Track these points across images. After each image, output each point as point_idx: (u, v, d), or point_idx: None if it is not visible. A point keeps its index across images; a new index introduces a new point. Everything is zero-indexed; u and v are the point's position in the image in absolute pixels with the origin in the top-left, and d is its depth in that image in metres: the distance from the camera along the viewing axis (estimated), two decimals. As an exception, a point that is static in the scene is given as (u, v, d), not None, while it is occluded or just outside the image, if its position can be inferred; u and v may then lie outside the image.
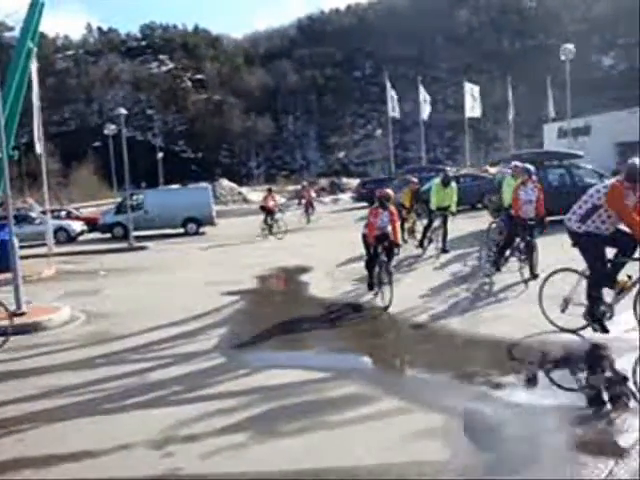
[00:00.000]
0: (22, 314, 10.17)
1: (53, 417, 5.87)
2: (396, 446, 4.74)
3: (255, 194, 56.36)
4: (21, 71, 16.95)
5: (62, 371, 7.38)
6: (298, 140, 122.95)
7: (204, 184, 38.13)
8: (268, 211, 22.99)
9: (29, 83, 18.29)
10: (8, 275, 13.95)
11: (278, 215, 23.28)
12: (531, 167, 11.27)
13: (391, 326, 8.69)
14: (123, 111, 25.46)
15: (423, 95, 44.08)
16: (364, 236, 10.32)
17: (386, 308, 9.27)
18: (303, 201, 26.19)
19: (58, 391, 6.63)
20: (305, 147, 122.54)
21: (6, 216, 20.45)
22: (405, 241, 16.15)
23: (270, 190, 25.35)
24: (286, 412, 5.65)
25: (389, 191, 10.51)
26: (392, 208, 10.28)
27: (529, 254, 10.39)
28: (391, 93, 44.27)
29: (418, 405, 5.65)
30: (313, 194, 25.08)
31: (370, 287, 10.33)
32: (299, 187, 30.44)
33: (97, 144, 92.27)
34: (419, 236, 15.28)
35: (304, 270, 14.32)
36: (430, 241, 14.43)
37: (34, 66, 19.18)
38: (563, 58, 29.78)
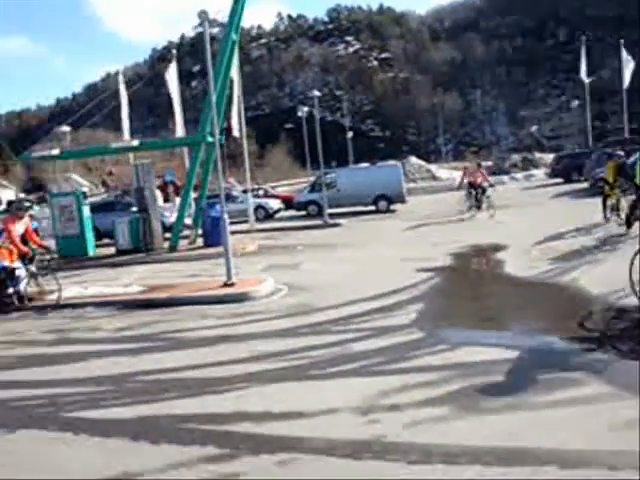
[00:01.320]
0: (232, 285, 11.07)
1: (265, 379, 6.34)
2: (604, 432, 4.51)
3: (444, 171, 55.56)
4: (226, 62, 18.21)
5: (270, 338, 7.92)
6: (487, 115, 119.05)
7: (394, 162, 38.37)
8: (476, 187, 22.24)
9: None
10: (219, 249, 15.26)
11: (489, 191, 22.37)
12: None
13: (594, 308, 8.20)
14: (317, 93, 26.40)
15: (625, 60, 40.40)
16: None
17: None
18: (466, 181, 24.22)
19: (267, 356, 7.13)
20: (494, 122, 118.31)
21: (216, 195, 22.34)
22: (607, 219, 15.30)
23: (479, 164, 24.65)
24: (486, 389, 5.60)
25: None
26: None
27: None
28: (588, 60, 41.21)
29: (630, 392, 5.30)
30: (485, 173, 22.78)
31: None
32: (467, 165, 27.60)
33: (289, 126, 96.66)
34: (623, 214, 14.29)
35: (499, 248, 13.96)
36: (637, 219, 13.34)
37: (236, 56, 20.52)
38: None
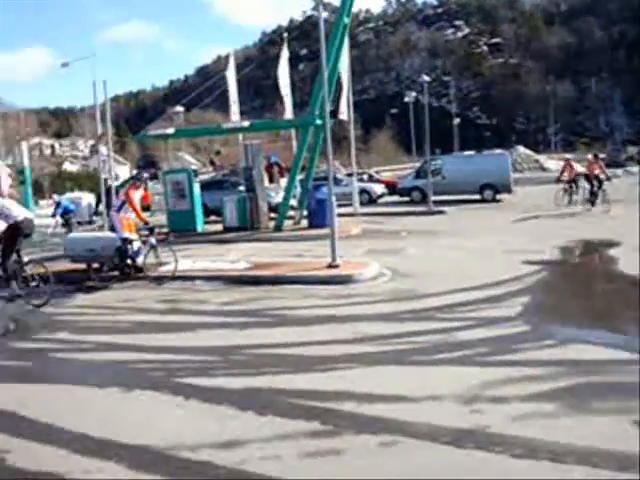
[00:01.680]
0: (337, 266, 11.21)
1: (368, 360, 6.40)
2: None
3: (552, 162, 53.54)
4: (337, 46, 18.28)
5: (373, 321, 7.97)
6: (601, 104, 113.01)
7: (501, 151, 37.36)
8: (593, 179, 21.30)
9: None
10: (323, 231, 15.42)
11: (606, 184, 21.39)
12: None
13: None
14: (426, 78, 26.12)
15: None
16: None
17: None
18: (565, 175, 22.79)
19: (371, 338, 7.20)
20: (609, 112, 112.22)
21: (321, 177, 22.50)
22: None
23: (596, 156, 23.60)
24: (595, 389, 5.42)
25: None
26: None
27: None
28: None
29: None
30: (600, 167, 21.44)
31: None
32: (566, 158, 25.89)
33: (394, 111, 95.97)
34: None
35: (612, 244, 13.36)
36: None
37: (346, 40, 20.59)
38: None
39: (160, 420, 5.25)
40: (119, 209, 11.89)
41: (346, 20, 18.90)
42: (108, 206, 16.68)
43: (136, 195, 11.80)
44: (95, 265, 12.09)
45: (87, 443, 4.86)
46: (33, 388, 6.31)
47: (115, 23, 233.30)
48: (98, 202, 23.66)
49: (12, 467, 4.58)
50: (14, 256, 10.54)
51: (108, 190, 17.84)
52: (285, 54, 23.41)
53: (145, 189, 12.18)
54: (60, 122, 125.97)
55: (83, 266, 12.40)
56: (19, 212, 10.85)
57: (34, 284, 10.32)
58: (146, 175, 12.75)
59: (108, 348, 7.53)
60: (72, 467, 4.48)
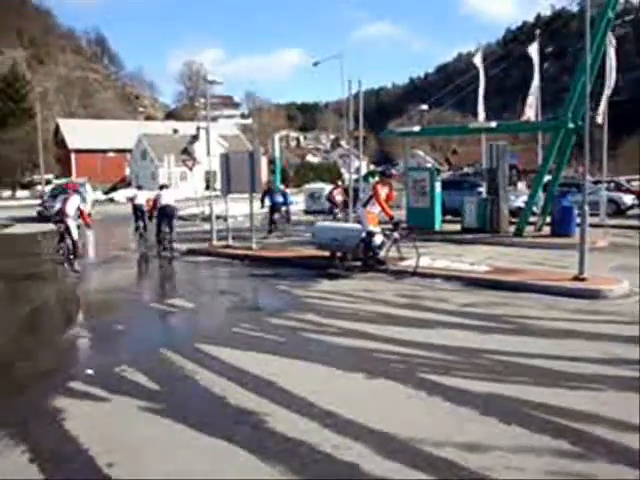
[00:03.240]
0: (584, 279, 10.55)
1: (621, 386, 5.93)
2: None
3: None
4: (599, 41, 17.07)
5: (625, 343, 7.33)
6: None
7: None
8: None
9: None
10: (567, 240, 14.62)
11: None
12: None
13: None
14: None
15: None
16: None
17: None
18: None
19: (623, 361, 6.64)
20: None
21: (567, 184, 21.30)
22: None
23: None
24: None
25: None
26: None
27: None
28: None
29: None
30: None
31: None
32: None
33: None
34: None
35: None
36: None
37: (610, 36, 19.19)
38: None
39: (403, 411, 5.44)
40: (366, 204, 12.36)
41: (610, 14, 17.54)
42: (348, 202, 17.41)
43: (383, 191, 12.18)
44: (339, 254, 12.76)
45: (336, 420, 5.21)
46: (287, 362, 6.90)
47: (362, 24, 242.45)
48: (264, 196, 22.03)
49: (271, 429, 5.11)
50: (165, 228, 16.89)
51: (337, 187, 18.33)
52: (536, 52, 22.45)
53: (391, 187, 12.44)
54: (305, 117, 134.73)
55: (327, 253, 13.17)
56: (166, 200, 16.79)
57: (170, 249, 16.69)
58: (394, 172, 13.02)
59: (351, 334, 7.93)
60: (323, 440, 4.84)
